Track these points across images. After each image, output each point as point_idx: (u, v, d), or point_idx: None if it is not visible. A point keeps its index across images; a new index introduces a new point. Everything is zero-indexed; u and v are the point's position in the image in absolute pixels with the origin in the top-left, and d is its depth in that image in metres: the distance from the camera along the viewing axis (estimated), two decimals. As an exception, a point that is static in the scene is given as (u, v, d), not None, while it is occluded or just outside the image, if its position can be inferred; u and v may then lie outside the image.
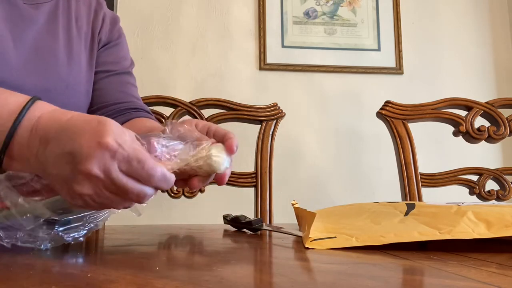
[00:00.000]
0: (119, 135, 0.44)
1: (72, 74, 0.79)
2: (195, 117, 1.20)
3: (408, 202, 0.68)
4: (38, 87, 0.72)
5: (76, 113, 0.48)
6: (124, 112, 0.86)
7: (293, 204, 0.77)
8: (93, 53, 0.85)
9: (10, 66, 0.69)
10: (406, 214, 0.59)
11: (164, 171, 0.46)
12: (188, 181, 0.53)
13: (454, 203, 0.61)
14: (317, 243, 0.52)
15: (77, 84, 0.80)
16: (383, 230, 0.53)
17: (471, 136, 1.17)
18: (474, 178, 1.18)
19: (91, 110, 0.85)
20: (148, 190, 0.46)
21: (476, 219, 0.51)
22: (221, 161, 0.52)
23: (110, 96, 0.87)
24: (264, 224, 0.72)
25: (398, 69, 2.08)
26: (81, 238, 0.50)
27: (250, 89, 1.99)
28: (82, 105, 0.82)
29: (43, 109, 0.48)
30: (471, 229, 0.49)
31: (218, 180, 0.55)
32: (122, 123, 0.84)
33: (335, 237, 0.53)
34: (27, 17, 0.74)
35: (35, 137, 0.46)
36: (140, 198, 0.46)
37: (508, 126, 1.18)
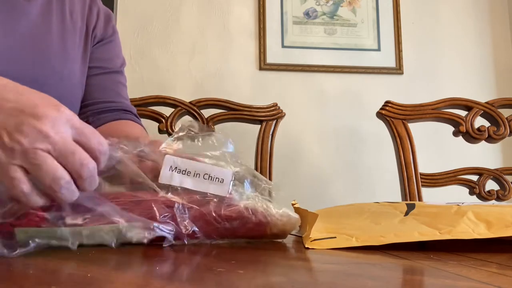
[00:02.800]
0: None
1: (67, 66, 0.79)
2: (195, 117, 1.20)
3: (408, 202, 0.68)
4: (32, 77, 0.72)
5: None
6: (111, 112, 0.85)
7: (293, 204, 0.77)
8: (87, 48, 0.85)
9: (1, 56, 0.69)
10: (406, 214, 0.59)
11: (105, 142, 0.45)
12: None
13: (454, 203, 0.61)
14: (317, 243, 0.52)
15: (71, 76, 0.80)
16: (383, 230, 0.53)
17: (471, 136, 1.17)
18: (474, 178, 1.18)
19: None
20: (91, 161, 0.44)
21: (476, 219, 0.51)
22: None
23: (99, 93, 0.87)
24: (264, 224, 0.72)
25: (398, 69, 2.08)
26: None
27: (250, 89, 1.99)
28: (76, 97, 0.82)
29: None
30: (471, 229, 0.49)
31: None
32: (106, 122, 0.84)
33: (335, 237, 0.53)
34: (19, 8, 0.74)
35: None
36: (83, 166, 0.43)
37: (508, 126, 1.18)
